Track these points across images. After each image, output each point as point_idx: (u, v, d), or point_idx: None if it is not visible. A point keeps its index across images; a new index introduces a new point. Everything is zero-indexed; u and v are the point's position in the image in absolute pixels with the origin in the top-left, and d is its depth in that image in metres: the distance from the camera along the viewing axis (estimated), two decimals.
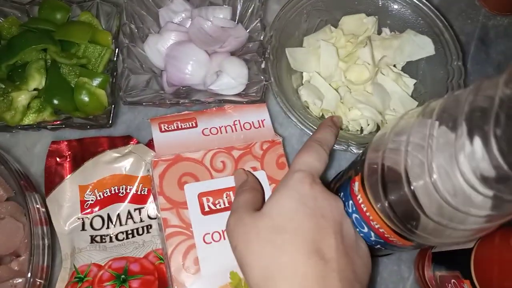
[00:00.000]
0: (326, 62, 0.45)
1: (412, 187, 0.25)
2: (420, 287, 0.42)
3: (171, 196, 0.38)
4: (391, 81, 0.46)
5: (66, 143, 0.43)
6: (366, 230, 0.32)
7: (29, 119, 0.38)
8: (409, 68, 0.48)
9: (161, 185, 0.38)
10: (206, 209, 0.38)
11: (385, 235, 0.29)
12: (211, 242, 0.37)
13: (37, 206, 0.37)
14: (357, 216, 0.32)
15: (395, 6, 0.48)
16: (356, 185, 0.31)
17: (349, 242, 0.30)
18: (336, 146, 0.40)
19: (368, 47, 0.46)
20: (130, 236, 0.42)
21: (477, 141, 0.20)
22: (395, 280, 0.43)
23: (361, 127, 0.45)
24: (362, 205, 0.30)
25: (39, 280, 0.36)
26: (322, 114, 0.45)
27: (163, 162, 0.39)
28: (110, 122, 0.41)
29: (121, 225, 0.42)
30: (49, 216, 0.40)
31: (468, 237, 0.26)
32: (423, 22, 0.48)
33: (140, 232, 0.42)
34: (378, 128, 0.45)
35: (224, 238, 0.37)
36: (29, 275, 0.34)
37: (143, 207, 0.43)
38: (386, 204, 0.27)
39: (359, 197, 0.30)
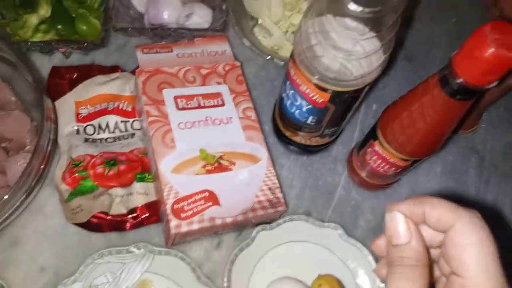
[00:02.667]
0: (275, 11, 0.58)
1: (322, 48, 0.37)
2: (351, 176, 0.53)
3: (152, 95, 0.48)
4: None
5: (64, 68, 0.53)
6: (299, 101, 0.43)
7: (38, 37, 0.48)
8: None
9: (144, 88, 0.48)
10: (180, 106, 0.48)
11: (310, 95, 0.41)
12: (184, 129, 0.47)
13: (50, 106, 0.46)
14: (293, 90, 0.43)
15: None
16: (290, 64, 0.42)
17: None
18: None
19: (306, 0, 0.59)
20: (117, 140, 0.51)
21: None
22: (332, 174, 0.54)
23: None
24: (294, 77, 0.41)
25: (42, 166, 0.44)
26: (273, 50, 0.57)
27: (145, 73, 0.49)
28: (104, 44, 0.51)
29: (109, 132, 0.51)
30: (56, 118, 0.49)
31: (371, 67, 0.37)
32: None
33: (126, 137, 0.52)
34: None
35: (194, 127, 0.47)
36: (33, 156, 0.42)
37: (128, 121, 0.53)
38: (310, 66, 0.38)
39: (292, 72, 0.42)
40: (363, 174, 0.50)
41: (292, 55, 0.42)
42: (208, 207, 0.43)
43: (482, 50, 0.29)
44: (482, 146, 0.59)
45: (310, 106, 0.43)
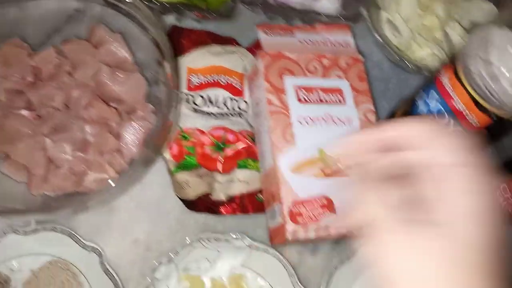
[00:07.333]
0: (406, 7, 0.53)
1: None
2: None
3: (274, 82, 0.45)
4: (457, 34, 0.54)
5: (182, 29, 0.50)
6: (445, 119, 0.39)
7: None
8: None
9: (266, 73, 0.45)
10: (301, 99, 0.45)
11: (466, 115, 0.37)
12: (304, 124, 0.43)
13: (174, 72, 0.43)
14: (440, 104, 0.39)
15: None
16: (447, 77, 0.38)
17: None
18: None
19: (442, 2, 0.53)
20: (225, 116, 0.48)
21: None
22: None
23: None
24: (448, 89, 0.37)
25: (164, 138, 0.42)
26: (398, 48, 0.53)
27: (268, 56, 0.46)
28: (230, 15, 0.47)
29: (218, 107, 0.48)
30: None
31: None
32: None
33: (233, 115, 0.48)
34: None
35: (314, 124, 0.44)
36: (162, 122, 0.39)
37: (237, 99, 0.49)
38: (481, 83, 0.34)
39: (447, 82, 0.37)
40: None
41: (453, 61, 0.37)
42: (325, 215, 0.40)
43: None
44: None
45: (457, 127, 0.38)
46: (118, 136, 0.41)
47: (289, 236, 0.38)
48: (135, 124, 0.42)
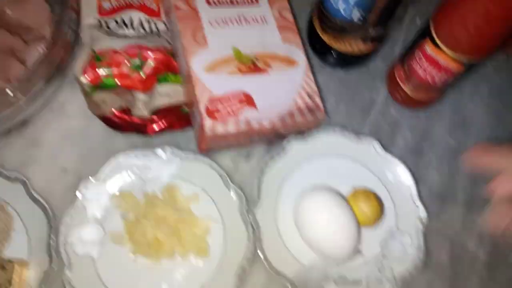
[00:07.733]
0: None
1: None
2: (392, 92, 0.49)
3: None
4: None
5: None
6: None
7: None
8: None
9: None
10: (210, 1, 0.43)
11: None
12: (215, 26, 0.42)
13: None
14: None
15: None
16: None
17: None
18: None
19: None
20: (142, 38, 0.47)
21: None
22: (370, 90, 0.50)
23: None
24: None
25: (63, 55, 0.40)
26: None
27: None
28: None
29: (134, 30, 0.47)
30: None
31: None
32: None
33: (152, 36, 0.47)
34: None
35: (227, 25, 0.43)
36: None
37: (155, 21, 0.48)
38: None
39: None
40: (407, 86, 0.46)
41: None
42: (244, 109, 0.39)
43: None
44: None
45: None
46: (23, 61, 0.40)
47: (208, 131, 0.38)
48: (40, 48, 0.41)
